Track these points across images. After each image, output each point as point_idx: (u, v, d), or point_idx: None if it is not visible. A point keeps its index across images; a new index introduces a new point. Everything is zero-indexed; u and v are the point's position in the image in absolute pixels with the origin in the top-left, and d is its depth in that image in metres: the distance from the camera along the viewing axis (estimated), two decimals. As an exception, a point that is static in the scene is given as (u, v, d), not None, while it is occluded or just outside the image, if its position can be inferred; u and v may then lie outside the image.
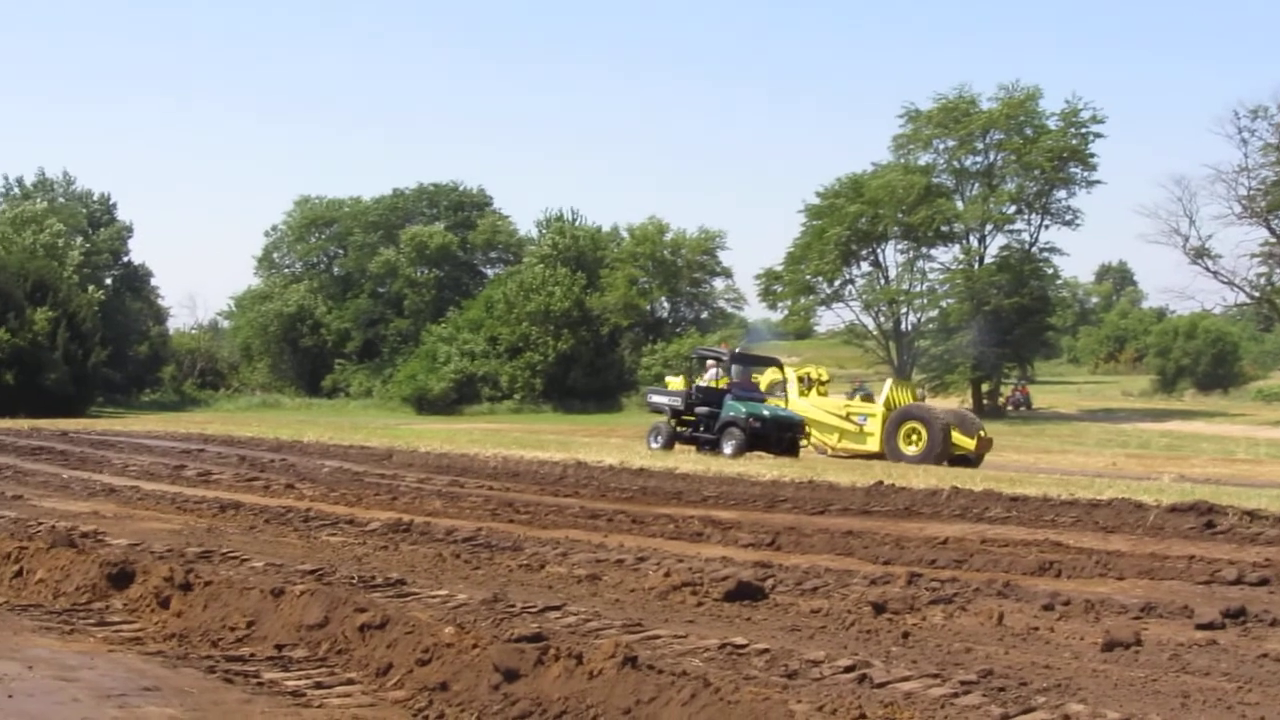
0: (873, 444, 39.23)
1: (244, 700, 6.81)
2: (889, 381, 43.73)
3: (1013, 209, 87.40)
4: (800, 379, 42.42)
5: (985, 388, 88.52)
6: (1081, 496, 20.45)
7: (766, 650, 8.32)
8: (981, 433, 39.80)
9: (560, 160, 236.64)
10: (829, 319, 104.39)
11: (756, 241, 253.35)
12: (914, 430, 38.88)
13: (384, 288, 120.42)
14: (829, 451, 40.05)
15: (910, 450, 38.27)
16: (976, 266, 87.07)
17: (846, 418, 40.57)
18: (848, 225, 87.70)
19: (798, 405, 40.35)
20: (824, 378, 43.59)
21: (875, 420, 39.63)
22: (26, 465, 24.12)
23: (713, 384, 38.83)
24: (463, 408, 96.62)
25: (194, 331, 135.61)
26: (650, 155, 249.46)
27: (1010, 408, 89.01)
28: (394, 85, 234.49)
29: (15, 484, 20.19)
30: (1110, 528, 17.05)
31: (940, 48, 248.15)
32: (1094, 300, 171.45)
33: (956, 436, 38.68)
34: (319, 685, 7.20)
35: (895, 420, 39.16)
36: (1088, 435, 65.67)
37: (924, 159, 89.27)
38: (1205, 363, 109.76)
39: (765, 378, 42.28)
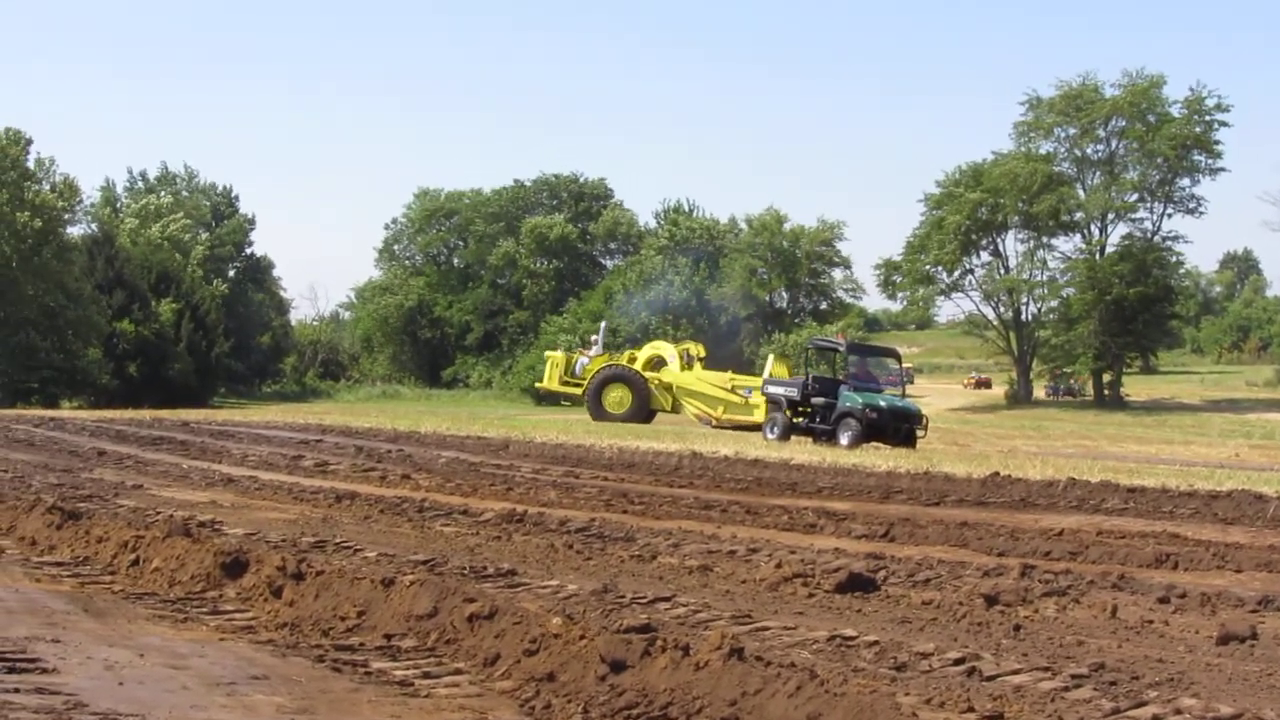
0: (758, 415, 40.87)
1: (352, 689, 6.85)
2: (770, 358, 45.37)
3: (1135, 197, 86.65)
4: (680, 355, 46.17)
5: (1106, 378, 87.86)
6: (1201, 488, 20.19)
7: (876, 642, 8.29)
8: None
9: (678, 151, 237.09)
10: (948, 309, 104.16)
11: (874, 233, 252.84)
12: None
13: (503, 279, 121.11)
14: (713, 423, 42.80)
15: None
16: (1098, 256, 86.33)
17: (731, 390, 43.87)
18: (967, 214, 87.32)
19: (683, 379, 44.73)
20: (701, 354, 47.05)
21: (758, 393, 41.36)
22: (147, 455, 24.40)
23: (597, 359, 46.82)
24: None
25: (315, 323, 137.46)
26: (769, 147, 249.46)
27: (1053, 396, 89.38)
28: (516, 77, 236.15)
29: (136, 473, 20.44)
30: (1229, 519, 16.82)
31: (1063, 34, 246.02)
32: (1217, 289, 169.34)
33: None
34: (426, 675, 7.24)
35: None
36: (1211, 426, 64.88)
37: (1045, 147, 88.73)
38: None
39: (643, 354, 46.89)
